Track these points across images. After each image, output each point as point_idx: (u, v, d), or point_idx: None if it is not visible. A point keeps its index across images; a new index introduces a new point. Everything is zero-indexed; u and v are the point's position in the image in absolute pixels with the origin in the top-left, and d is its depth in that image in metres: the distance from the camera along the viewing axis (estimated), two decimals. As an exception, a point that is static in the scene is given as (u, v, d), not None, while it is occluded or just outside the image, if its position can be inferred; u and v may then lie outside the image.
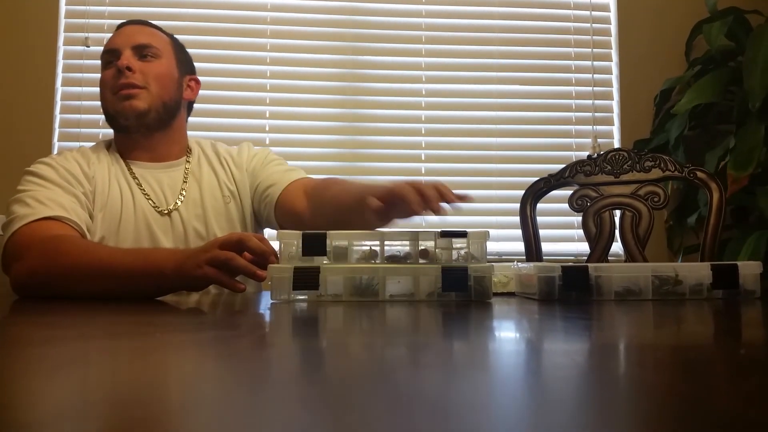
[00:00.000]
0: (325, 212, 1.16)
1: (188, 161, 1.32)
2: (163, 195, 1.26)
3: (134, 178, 1.26)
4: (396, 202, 0.92)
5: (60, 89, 2.08)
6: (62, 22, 2.10)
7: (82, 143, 1.99)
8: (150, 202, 1.25)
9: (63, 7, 2.10)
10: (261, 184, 1.31)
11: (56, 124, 2.07)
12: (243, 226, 1.30)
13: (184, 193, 1.28)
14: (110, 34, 2.09)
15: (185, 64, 1.35)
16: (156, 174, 1.28)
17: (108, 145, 1.31)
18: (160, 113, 1.26)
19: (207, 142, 1.38)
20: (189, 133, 1.42)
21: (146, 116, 1.24)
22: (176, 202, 1.26)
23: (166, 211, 1.25)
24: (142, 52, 1.26)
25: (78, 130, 2.07)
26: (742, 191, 1.76)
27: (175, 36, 1.37)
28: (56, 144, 2.06)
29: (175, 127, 1.31)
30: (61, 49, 2.09)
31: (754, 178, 1.74)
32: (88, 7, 2.11)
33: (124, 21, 1.34)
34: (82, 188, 1.20)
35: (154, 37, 1.30)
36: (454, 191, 0.93)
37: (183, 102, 1.33)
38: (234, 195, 1.31)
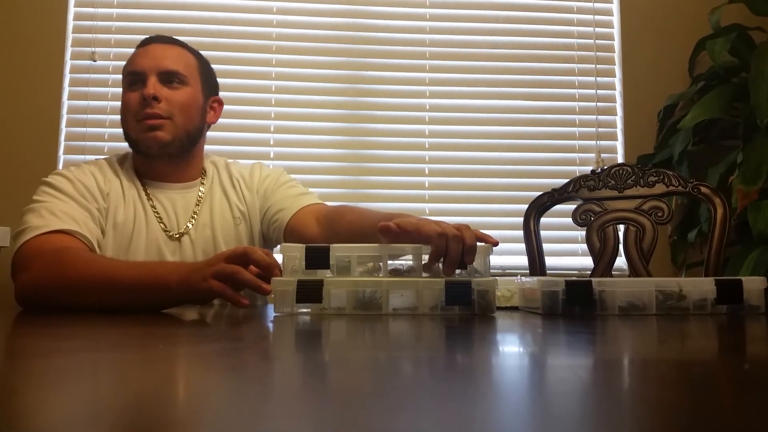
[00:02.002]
0: (339, 240, 1.11)
1: (203, 183, 1.32)
2: (176, 217, 1.26)
3: (149, 199, 1.26)
4: (417, 239, 0.90)
5: (66, 103, 2.10)
6: (69, 36, 2.12)
7: (87, 156, 2.01)
8: (162, 225, 1.25)
9: (70, 22, 2.12)
10: (271, 208, 1.30)
11: (62, 138, 2.08)
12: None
13: (195, 216, 1.28)
14: (117, 50, 2.14)
15: (210, 85, 1.33)
16: (170, 195, 1.28)
17: (123, 160, 1.31)
18: (183, 142, 1.26)
19: (221, 161, 1.38)
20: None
21: (169, 147, 1.23)
22: (187, 226, 1.26)
23: (176, 236, 1.25)
24: (168, 78, 1.24)
25: (83, 143, 2.08)
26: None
27: (201, 54, 1.34)
28: (61, 157, 2.08)
29: (196, 152, 1.31)
30: (68, 63, 2.11)
31: (762, 192, 1.74)
32: (95, 22, 2.13)
33: (150, 37, 1.31)
34: (97, 204, 1.20)
35: (181, 62, 1.27)
36: (483, 234, 0.91)
37: (206, 126, 1.33)
38: (244, 216, 1.31)
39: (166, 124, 1.22)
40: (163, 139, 1.22)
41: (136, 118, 1.23)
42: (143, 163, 1.28)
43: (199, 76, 1.30)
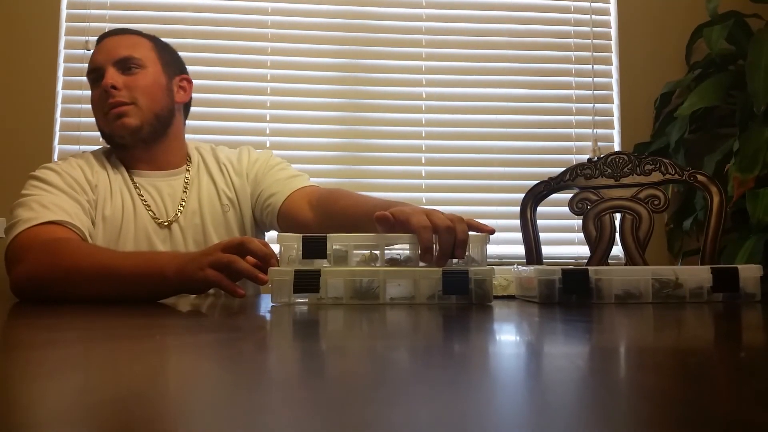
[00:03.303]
0: (333, 225, 1.12)
1: (188, 170, 1.31)
2: (164, 205, 1.26)
3: (136, 187, 1.26)
4: (408, 230, 0.89)
5: (60, 92, 2.09)
6: (63, 25, 2.11)
7: (82, 146, 2.00)
8: (150, 213, 1.25)
9: (64, 11, 2.11)
10: (263, 193, 1.30)
11: (57, 128, 2.07)
12: (242, 234, 1.29)
13: (183, 203, 1.28)
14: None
15: (173, 65, 1.32)
16: (157, 183, 1.28)
17: (110, 153, 1.31)
18: (154, 125, 1.25)
19: (207, 147, 1.37)
20: (190, 136, 1.41)
21: (140, 131, 1.23)
22: (176, 213, 1.26)
23: (165, 223, 1.25)
24: (125, 65, 1.24)
25: (78, 133, 2.07)
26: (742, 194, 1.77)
27: (158, 38, 1.34)
28: (57, 147, 2.07)
29: (173, 134, 1.30)
30: (62, 52, 2.10)
31: (759, 180, 1.75)
32: (89, 11, 2.11)
33: (104, 33, 1.32)
34: (86, 196, 1.20)
35: (136, 47, 1.27)
36: (480, 222, 0.91)
37: (177, 106, 1.31)
38: (233, 203, 1.31)
39: (131, 109, 1.23)
40: (131, 125, 1.22)
41: (102, 111, 1.24)
42: (125, 155, 1.28)
43: (156, 57, 1.29)
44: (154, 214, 1.25)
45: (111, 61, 1.24)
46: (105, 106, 1.23)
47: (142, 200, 1.25)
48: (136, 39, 1.29)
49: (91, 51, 2.04)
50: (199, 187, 1.30)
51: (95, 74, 1.25)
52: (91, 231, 1.19)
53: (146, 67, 1.26)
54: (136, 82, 1.24)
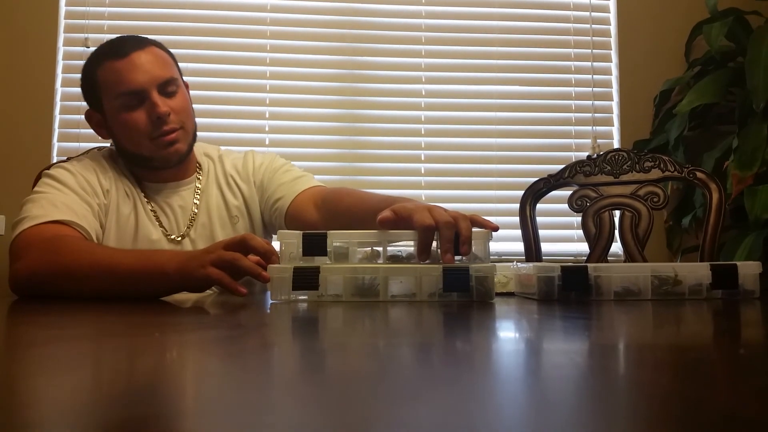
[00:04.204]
0: (338, 224, 1.09)
1: (198, 178, 1.30)
2: (175, 219, 1.25)
3: (148, 202, 1.25)
4: (410, 227, 0.88)
5: (60, 90, 2.08)
6: (62, 22, 2.10)
7: (82, 144, 2.00)
8: (162, 230, 1.24)
9: (63, 8, 2.10)
10: (270, 197, 1.29)
11: (56, 125, 2.07)
12: None
13: (194, 217, 1.27)
14: (110, 36, 2.09)
15: (180, 74, 1.28)
16: (168, 195, 1.26)
17: (116, 158, 1.28)
18: (191, 145, 1.25)
19: (215, 153, 1.35)
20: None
21: (185, 155, 1.23)
22: (187, 228, 1.26)
23: (178, 239, 1.25)
24: (166, 89, 1.19)
25: (78, 130, 2.06)
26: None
27: (164, 45, 1.27)
28: (56, 144, 2.06)
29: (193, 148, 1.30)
30: (61, 49, 2.09)
31: (757, 177, 1.75)
32: (87, 8, 2.11)
33: (120, 45, 1.20)
34: (98, 199, 1.19)
35: (167, 65, 1.22)
36: (484, 219, 0.90)
37: None
38: (242, 213, 1.30)
39: (181, 134, 1.20)
40: (182, 151, 1.21)
41: (149, 137, 1.18)
42: (141, 168, 1.26)
43: (178, 72, 1.26)
44: (166, 230, 1.24)
45: (154, 84, 1.17)
46: (154, 133, 1.18)
47: (154, 215, 1.24)
48: (161, 53, 1.23)
49: (90, 48, 2.07)
50: (209, 199, 1.28)
51: (134, 98, 1.17)
52: (99, 234, 1.18)
53: (180, 86, 1.23)
54: (178, 104, 1.20)
